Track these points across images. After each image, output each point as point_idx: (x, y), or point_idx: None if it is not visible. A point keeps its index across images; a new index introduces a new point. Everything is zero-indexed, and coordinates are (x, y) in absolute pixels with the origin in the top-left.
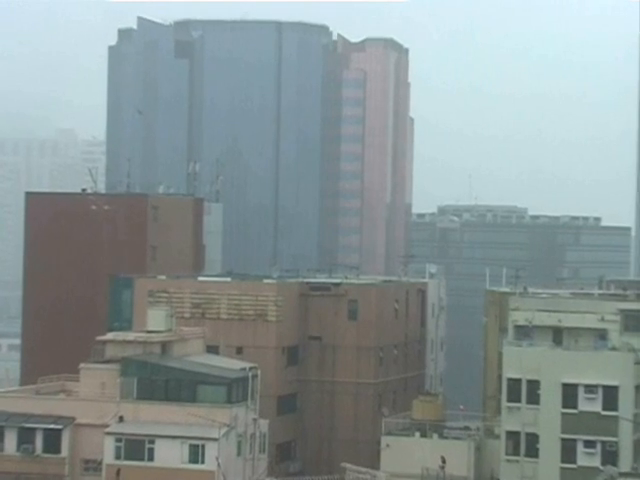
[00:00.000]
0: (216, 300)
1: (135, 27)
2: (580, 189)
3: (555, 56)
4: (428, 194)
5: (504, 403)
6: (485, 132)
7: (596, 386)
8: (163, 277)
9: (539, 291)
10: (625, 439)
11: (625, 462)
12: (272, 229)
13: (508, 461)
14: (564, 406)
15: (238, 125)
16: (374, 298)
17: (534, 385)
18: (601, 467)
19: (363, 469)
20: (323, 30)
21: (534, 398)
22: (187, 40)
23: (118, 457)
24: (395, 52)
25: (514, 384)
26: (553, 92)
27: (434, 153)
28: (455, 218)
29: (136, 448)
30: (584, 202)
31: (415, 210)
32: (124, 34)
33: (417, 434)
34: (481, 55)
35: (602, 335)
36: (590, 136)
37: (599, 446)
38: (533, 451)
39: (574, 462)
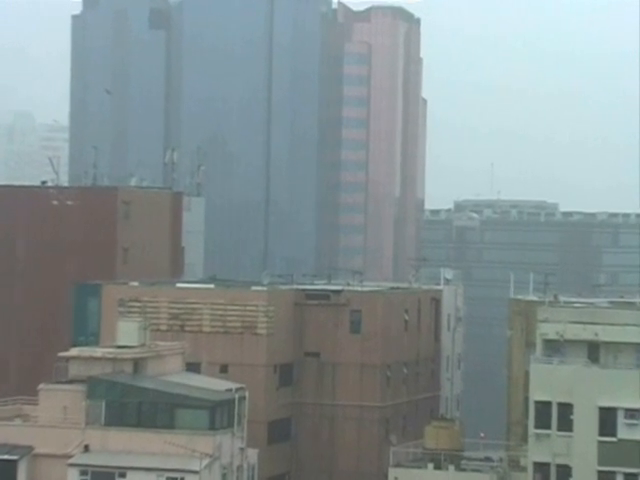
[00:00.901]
0: (197, 310)
1: None
2: (619, 182)
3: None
4: (443, 187)
5: (531, 430)
6: (510, 116)
7: (638, 410)
8: (136, 283)
9: (572, 300)
10: None
11: None
12: (262, 228)
13: None
14: (601, 433)
15: (223, 108)
16: (380, 308)
17: (566, 409)
18: None
19: None
20: None
21: (566, 424)
22: (163, 8)
23: None
24: (405, 23)
25: (543, 408)
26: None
27: (450, 140)
28: (474, 215)
29: None
30: (623, 197)
31: (428, 206)
32: (89, 1)
33: (430, 466)
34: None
35: None
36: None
37: None
38: None
39: None
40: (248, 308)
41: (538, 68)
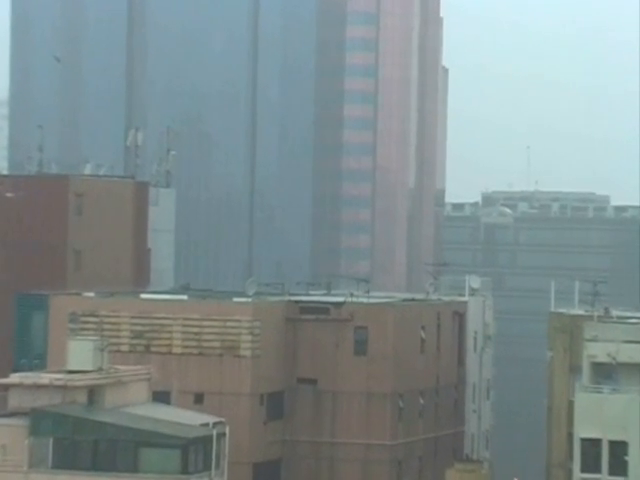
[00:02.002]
0: (166, 327)
1: None
2: None
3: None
4: (468, 176)
5: (577, 474)
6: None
7: None
8: (91, 294)
9: (627, 314)
10: None
11: None
12: (246, 226)
13: None
14: None
15: (197, 76)
16: (391, 324)
17: (619, 448)
18: None
19: None
20: None
21: (620, 467)
22: None
23: None
24: None
25: (591, 446)
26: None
27: (477, 118)
28: (507, 210)
29: None
30: None
31: (450, 199)
32: None
33: None
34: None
35: None
36: None
37: None
38: None
39: None
40: (229, 324)
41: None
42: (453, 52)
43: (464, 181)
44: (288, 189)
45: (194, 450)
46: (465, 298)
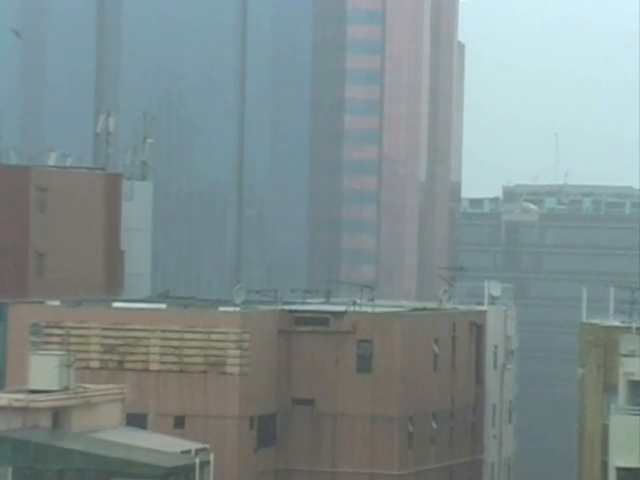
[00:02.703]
0: (143, 341)
1: None
2: None
3: None
4: (488, 167)
5: None
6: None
7: None
8: (55, 303)
9: None
10: None
11: None
12: (234, 225)
13: None
14: None
15: (178, 55)
16: (399, 337)
17: None
18: None
19: None
20: None
21: None
22: None
23: None
24: None
25: (629, 477)
26: None
27: (498, 101)
28: (532, 206)
29: None
30: None
31: (467, 193)
32: None
33: None
34: None
35: None
36: None
37: None
38: None
39: None
40: (214, 337)
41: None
42: (470, 26)
43: (483, 173)
44: (281, 183)
45: None
46: (484, 307)
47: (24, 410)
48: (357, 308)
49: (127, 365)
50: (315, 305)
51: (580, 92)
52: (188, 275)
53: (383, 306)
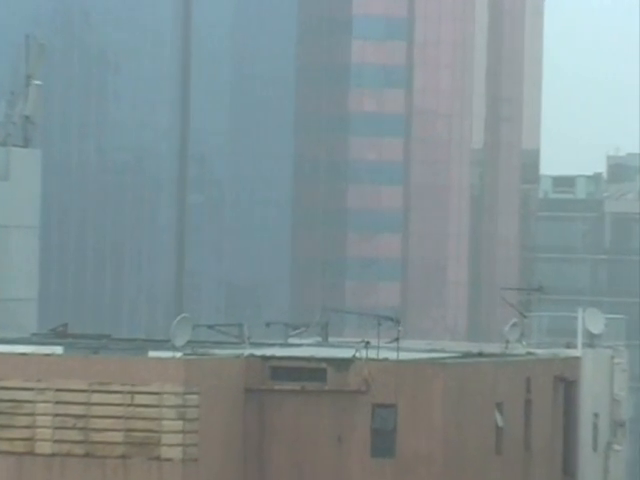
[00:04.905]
0: (25, 406)
1: None
2: None
3: None
4: (583, 129)
5: None
6: None
7: None
8: None
9: None
10: None
11: None
12: (173, 219)
13: None
14: None
15: None
16: (440, 400)
17: None
18: None
19: None
20: None
21: None
22: None
23: None
24: None
25: None
26: None
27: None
28: None
29: None
30: None
31: (548, 168)
32: None
33: None
34: None
35: None
36: None
37: None
38: None
39: None
40: (141, 401)
41: None
42: None
43: (575, 138)
44: (250, 151)
45: None
46: (576, 351)
47: None
48: (372, 353)
49: (1, 447)
50: (304, 348)
51: None
52: (99, 300)
53: (413, 350)
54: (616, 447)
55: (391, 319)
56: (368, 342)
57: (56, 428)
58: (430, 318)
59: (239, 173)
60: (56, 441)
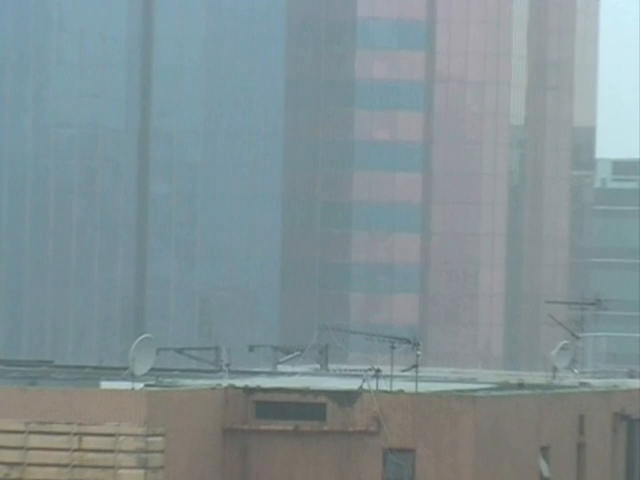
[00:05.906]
0: None
1: None
2: None
3: None
4: None
5: None
6: None
7: None
8: None
9: None
10: None
11: None
12: (131, 215)
13: None
14: None
15: None
16: (471, 442)
17: None
18: None
19: None
20: None
21: None
22: None
23: None
24: None
25: None
26: None
27: None
28: None
29: None
30: None
31: (607, 151)
32: None
33: None
34: None
35: None
36: None
37: None
38: None
39: None
40: (92, 444)
41: None
42: None
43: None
44: (229, 131)
45: None
46: None
47: None
48: (383, 384)
49: None
50: (298, 378)
51: None
52: (37, 319)
53: (435, 380)
54: None
55: (408, 341)
56: (379, 370)
57: None
58: (457, 339)
59: (215, 156)
60: None
